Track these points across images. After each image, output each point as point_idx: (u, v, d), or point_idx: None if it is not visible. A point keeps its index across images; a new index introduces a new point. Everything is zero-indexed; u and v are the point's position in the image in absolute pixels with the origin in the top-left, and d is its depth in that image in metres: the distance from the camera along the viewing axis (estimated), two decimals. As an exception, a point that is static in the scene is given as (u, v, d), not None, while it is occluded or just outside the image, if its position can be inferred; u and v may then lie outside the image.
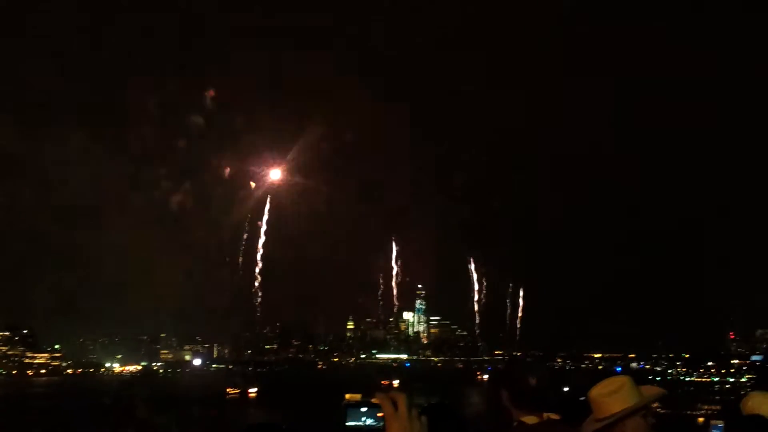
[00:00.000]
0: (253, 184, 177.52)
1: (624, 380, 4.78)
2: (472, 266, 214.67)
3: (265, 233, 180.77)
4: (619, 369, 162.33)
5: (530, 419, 4.85)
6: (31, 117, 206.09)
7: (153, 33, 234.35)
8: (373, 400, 2.87)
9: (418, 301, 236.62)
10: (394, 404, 2.82)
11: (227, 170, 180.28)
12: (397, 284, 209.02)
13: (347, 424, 2.95)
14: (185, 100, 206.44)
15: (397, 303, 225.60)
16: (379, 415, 2.85)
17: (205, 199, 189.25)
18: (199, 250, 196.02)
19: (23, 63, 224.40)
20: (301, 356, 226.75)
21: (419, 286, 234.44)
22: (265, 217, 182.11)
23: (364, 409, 2.92)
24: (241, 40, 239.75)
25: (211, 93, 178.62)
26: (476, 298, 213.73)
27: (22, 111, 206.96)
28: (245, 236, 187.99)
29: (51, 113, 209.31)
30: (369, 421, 2.90)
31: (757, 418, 5.41)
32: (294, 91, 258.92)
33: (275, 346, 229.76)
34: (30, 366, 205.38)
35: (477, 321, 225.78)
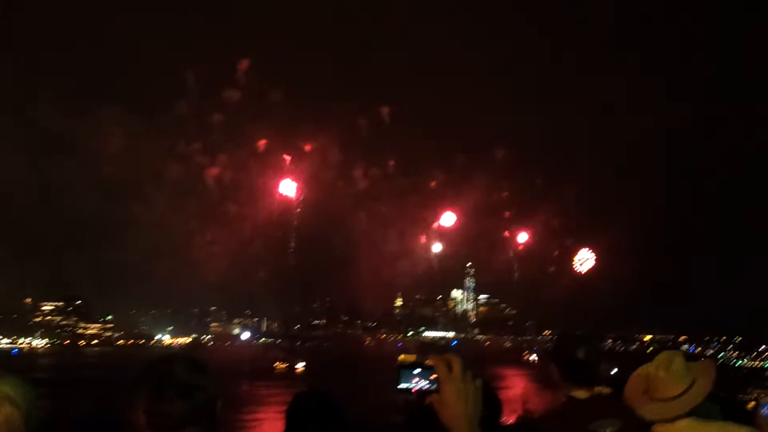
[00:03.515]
0: (288, 158, 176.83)
1: (678, 357, 4.69)
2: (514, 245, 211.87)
3: (301, 208, 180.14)
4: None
5: (580, 393, 4.80)
6: (70, 95, 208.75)
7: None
8: (428, 362, 2.86)
9: (467, 279, 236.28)
10: (449, 367, 2.81)
11: (263, 143, 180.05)
12: (442, 262, 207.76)
13: (399, 386, 2.93)
14: (221, 74, 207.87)
15: (444, 280, 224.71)
16: (432, 377, 2.84)
17: (246, 175, 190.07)
18: (246, 226, 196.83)
19: (57, 40, 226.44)
20: (349, 332, 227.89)
21: (468, 264, 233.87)
22: (298, 194, 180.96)
23: (417, 371, 2.91)
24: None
25: (245, 66, 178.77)
26: (516, 277, 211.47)
27: (60, 90, 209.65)
28: (294, 213, 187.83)
29: (89, 90, 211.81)
30: (422, 383, 2.89)
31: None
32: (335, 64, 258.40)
33: (324, 321, 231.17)
34: (82, 336, 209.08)
35: (524, 300, 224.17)
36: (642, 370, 4.68)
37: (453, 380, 2.78)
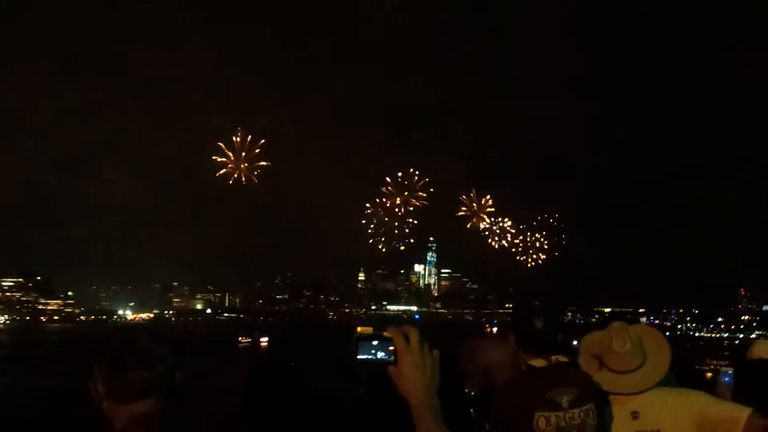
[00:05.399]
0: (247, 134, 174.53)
1: (632, 331, 4.70)
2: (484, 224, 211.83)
3: (262, 183, 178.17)
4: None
5: (538, 362, 4.85)
6: (23, 71, 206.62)
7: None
8: (385, 334, 2.86)
9: (429, 254, 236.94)
10: (407, 338, 2.84)
11: (220, 119, 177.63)
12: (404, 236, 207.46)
13: (358, 357, 2.97)
14: (178, 48, 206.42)
15: (406, 255, 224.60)
16: (391, 348, 2.85)
17: (200, 147, 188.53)
18: (205, 201, 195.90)
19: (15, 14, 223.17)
20: (312, 307, 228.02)
21: (431, 238, 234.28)
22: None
23: (375, 343, 2.94)
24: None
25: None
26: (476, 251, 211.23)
27: (15, 65, 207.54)
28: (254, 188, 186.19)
29: (44, 66, 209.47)
30: (380, 355, 2.91)
31: (764, 362, 5.46)
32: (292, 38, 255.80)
33: (286, 296, 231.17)
34: (43, 312, 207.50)
35: (486, 274, 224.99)
36: (595, 337, 4.73)
37: (410, 351, 2.79)
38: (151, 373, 3.22)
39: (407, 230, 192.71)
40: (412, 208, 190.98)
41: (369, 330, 2.99)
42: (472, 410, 5.19)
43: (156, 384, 3.24)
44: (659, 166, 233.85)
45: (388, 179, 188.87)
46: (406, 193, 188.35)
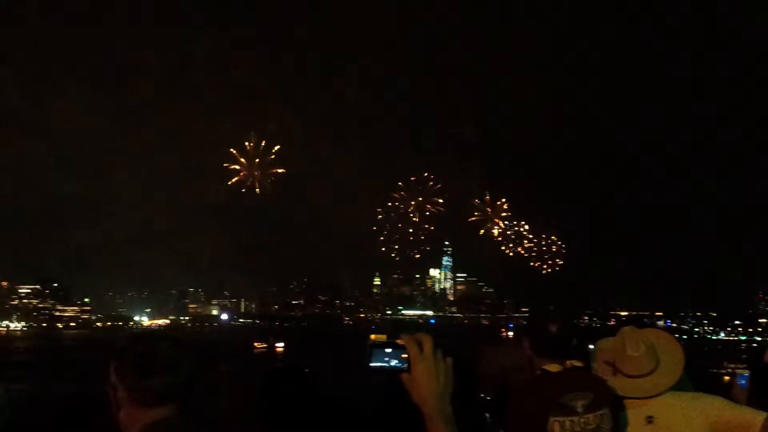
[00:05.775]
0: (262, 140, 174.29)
1: (643, 335, 4.69)
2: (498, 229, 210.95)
3: (273, 184, 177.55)
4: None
5: (552, 367, 4.85)
6: (37, 76, 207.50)
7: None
8: (399, 341, 2.87)
9: (444, 258, 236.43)
10: (420, 345, 2.85)
11: (230, 123, 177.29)
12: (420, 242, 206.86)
13: (371, 365, 2.94)
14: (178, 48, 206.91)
15: (422, 260, 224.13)
16: (404, 356, 2.86)
17: (202, 149, 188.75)
18: (219, 205, 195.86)
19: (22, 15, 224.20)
20: (327, 312, 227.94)
21: (446, 242, 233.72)
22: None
23: (389, 350, 2.90)
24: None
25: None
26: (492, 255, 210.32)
27: (27, 70, 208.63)
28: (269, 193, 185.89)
29: (43, 64, 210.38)
30: (394, 362, 2.94)
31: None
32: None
33: (302, 301, 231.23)
34: (60, 319, 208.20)
35: (502, 278, 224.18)
36: (607, 343, 4.72)
37: (424, 359, 2.80)
38: (173, 378, 3.27)
39: (422, 237, 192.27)
40: (428, 213, 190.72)
41: (382, 337, 2.98)
42: (487, 415, 5.20)
43: (177, 390, 3.29)
44: (659, 166, 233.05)
45: (400, 183, 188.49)
46: (420, 198, 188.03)
